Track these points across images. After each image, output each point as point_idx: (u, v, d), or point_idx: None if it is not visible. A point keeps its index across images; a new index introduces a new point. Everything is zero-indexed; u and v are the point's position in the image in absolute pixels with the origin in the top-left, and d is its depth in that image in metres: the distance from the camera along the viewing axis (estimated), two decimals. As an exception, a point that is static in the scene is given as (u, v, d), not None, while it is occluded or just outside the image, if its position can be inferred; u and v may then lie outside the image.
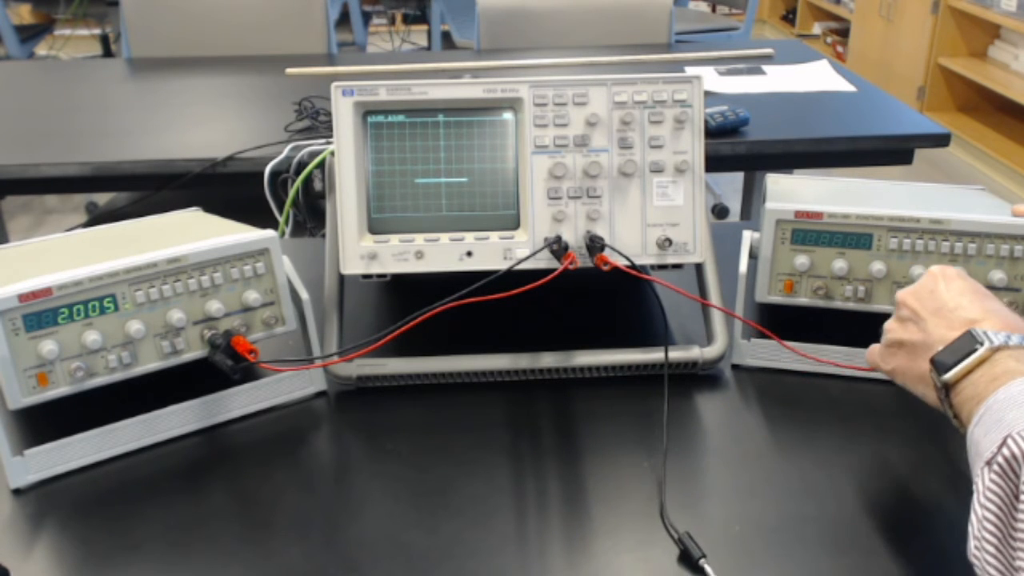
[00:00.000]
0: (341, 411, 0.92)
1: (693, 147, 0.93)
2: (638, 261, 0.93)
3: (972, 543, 0.58)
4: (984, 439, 0.61)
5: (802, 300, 0.95)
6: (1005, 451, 0.57)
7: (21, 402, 0.78)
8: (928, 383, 0.70)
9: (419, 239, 0.92)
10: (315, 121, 1.75)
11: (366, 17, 4.27)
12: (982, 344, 0.66)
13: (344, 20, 4.00)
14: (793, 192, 1.00)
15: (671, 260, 0.94)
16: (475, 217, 0.93)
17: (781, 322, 0.96)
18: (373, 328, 1.05)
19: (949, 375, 0.67)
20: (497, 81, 0.92)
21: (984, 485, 0.58)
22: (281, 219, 1.34)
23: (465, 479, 0.81)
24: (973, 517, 0.59)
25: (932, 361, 0.69)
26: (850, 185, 1.03)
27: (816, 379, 0.96)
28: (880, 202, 0.95)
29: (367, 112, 0.92)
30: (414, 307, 0.84)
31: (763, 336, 0.96)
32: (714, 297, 0.97)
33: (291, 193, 1.31)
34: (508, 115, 0.93)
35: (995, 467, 0.58)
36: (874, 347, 0.80)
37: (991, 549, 0.57)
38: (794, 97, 1.96)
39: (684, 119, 0.92)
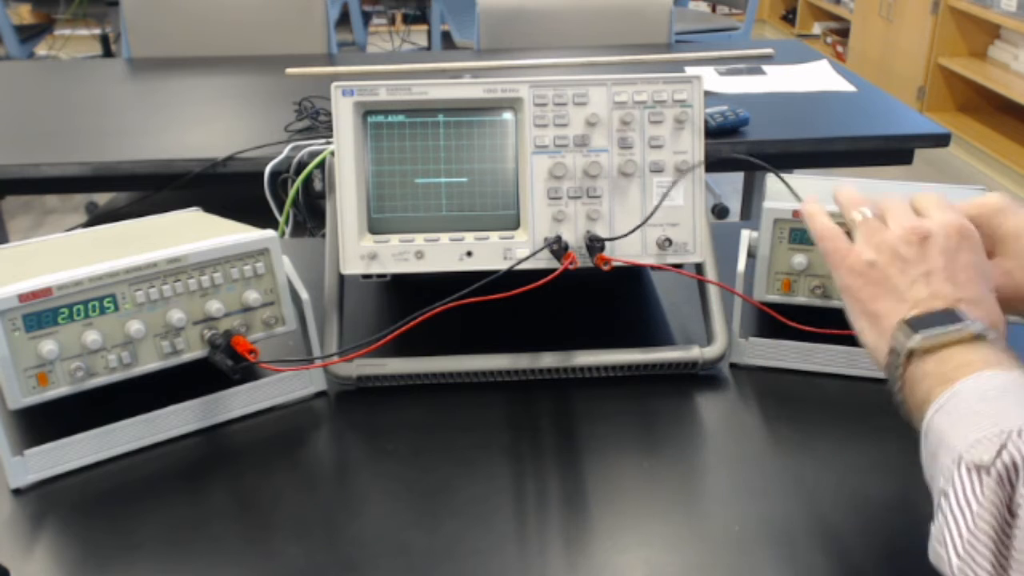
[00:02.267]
0: (341, 411, 0.92)
1: (693, 147, 0.93)
2: (638, 261, 0.93)
3: (951, 549, 0.54)
4: (951, 429, 0.57)
5: (800, 299, 0.95)
6: (1005, 457, 0.53)
7: (21, 402, 0.78)
8: (883, 331, 0.65)
9: (419, 239, 0.92)
10: (315, 121, 1.75)
11: (366, 17, 4.27)
12: (965, 324, 0.62)
13: (344, 20, 4.00)
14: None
15: (671, 260, 0.94)
16: (475, 217, 0.93)
17: (780, 322, 0.96)
18: (373, 328, 1.05)
19: (926, 342, 0.61)
20: (497, 81, 0.92)
21: (964, 485, 0.54)
22: (281, 219, 1.34)
23: (465, 479, 0.81)
24: (949, 520, 0.54)
25: (907, 320, 0.64)
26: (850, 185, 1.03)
27: (815, 378, 0.96)
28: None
29: (367, 112, 0.92)
30: (414, 307, 0.84)
31: (762, 335, 0.96)
32: (714, 297, 0.97)
33: (291, 193, 1.31)
34: (508, 115, 0.93)
35: (993, 475, 0.54)
36: (840, 235, 0.71)
37: (986, 565, 0.53)
38: (794, 97, 1.96)
39: (684, 119, 0.92)
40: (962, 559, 0.53)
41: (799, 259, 0.93)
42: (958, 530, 0.54)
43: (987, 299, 0.66)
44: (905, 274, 0.66)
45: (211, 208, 1.08)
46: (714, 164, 0.98)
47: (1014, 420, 0.55)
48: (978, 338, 0.61)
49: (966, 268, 0.66)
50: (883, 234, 0.69)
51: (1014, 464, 0.53)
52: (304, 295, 0.90)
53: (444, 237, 0.92)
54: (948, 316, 0.63)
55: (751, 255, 0.96)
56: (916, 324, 0.63)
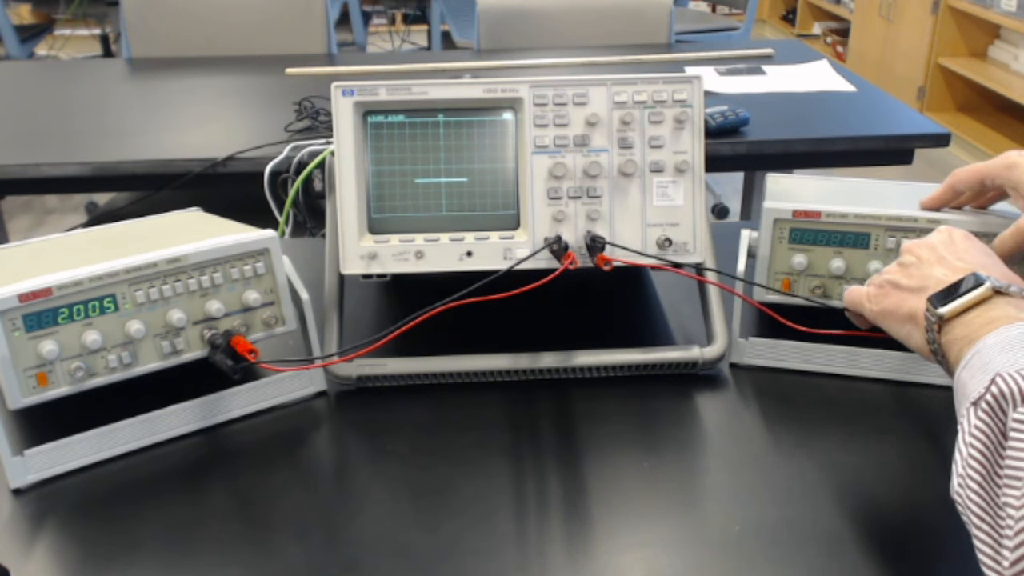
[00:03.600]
0: (341, 411, 0.92)
1: (693, 147, 0.93)
2: (638, 261, 0.93)
3: (956, 480, 0.59)
4: (971, 381, 0.61)
5: (800, 299, 0.95)
6: (994, 388, 0.57)
7: (21, 402, 0.78)
8: (917, 322, 0.70)
9: (419, 239, 0.92)
10: (315, 121, 1.75)
11: (366, 17, 4.28)
12: (983, 283, 0.66)
13: (344, 20, 4.00)
14: (793, 191, 1.00)
15: (671, 260, 0.94)
16: (475, 217, 0.93)
17: (780, 322, 0.96)
18: (373, 328, 1.05)
19: (946, 308, 0.66)
20: (497, 81, 0.92)
21: (970, 424, 0.58)
22: (281, 219, 1.34)
23: (465, 479, 0.81)
24: (958, 456, 0.59)
25: (929, 298, 0.69)
26: (850, 185, 1.03)
27: (815, 378, 0.96)
28: (879, 202, 0.95)
29: (367, 112, 0.92)
30: (414, 307, 0.84)
31: (761, 335, 0.96)
32: (714, 297, 0.97)
33: (291, 193, 1.31)
34: (508, 115, 0.93)
35: (983, 405, 0.58)
36: (858, 288, 0.79)
37: (974, 486, 0.57)
38: (794, 97, 1.96)
39: (684, 119, 0.92)
40: (960, 477, 0.58)
41: (799, 259, 0.93)
42: (960, 457, 0.58)
43: (999, 265, 0.72)
44: (915, 275, 0.73)
45: (211, 208, 1.08)
46: (714, 164, 0.98)
47: (1008, 364, 0.59)
48: (999, 293, 0.66)
49: (967, 250, 0.73)
50: (881, 272, 0.78)
51: (1002, 394, 0.57)
52: (304, 295, 0.90)
53: (444, 237, 0.92)
54: (969, 280, 0.68)
55: (751, 255, 0.96)
56: (936, 300, 0.68)
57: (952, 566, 0.72)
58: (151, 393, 0.86)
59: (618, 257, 0.92)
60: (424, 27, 4.73)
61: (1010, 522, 0.53)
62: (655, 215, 0.93)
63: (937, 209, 0.91)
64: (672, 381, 0.95)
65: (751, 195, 2.30)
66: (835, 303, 0.94)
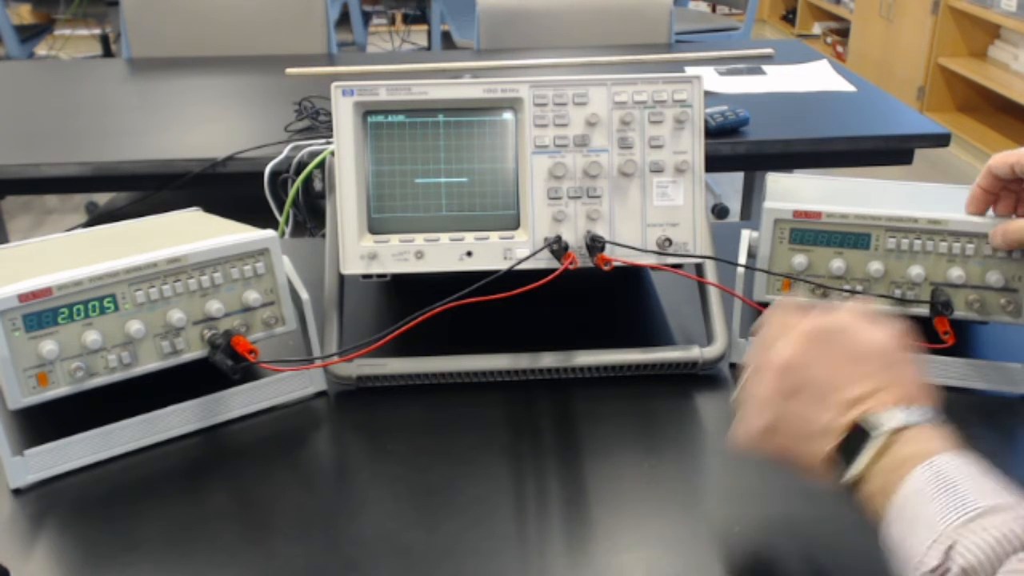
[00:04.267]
0: (341, 411, 0.92)
1: (693, 147, 0.93)
2: (638, 261, 0.93)
3: None
4: (905, 543, 0.57)
5: (800, 300, 0.95)
6: (959, 563, 0.53)
7: (21, 402, 0.78)
8: (818, 471, 0.64)
9: (419, 239, 0.92)
10: (315, 121, 1.75)
11: (366, 17, 4.27)
12: (876, 432, 0.61)
13: (344, 20, 4.00)
14: (793, 191, 1.00)
15: (671, 260, 0.94)
16: (475, 217, 0.93)
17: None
18: (373, 328, 1.05)
19: (851, 475, 0.61)
20: (497, 81, 0.92)
21: None
22: (281, 219, 1.34)
23: (465, 479, 0.81)
24: None
25: (831, 456, 0.63)
26: (850, 185, 1.03)
27: (816, 379, 0.96)
28: (880, 202, 0.95)
29: (367, 112, 0.92)
30: (414, 307, 0.84)
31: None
32: (714, 297, 0.97)
33: (291, 193, 1.31)
34: (508, 115, 0.93)
35: None
36: (746, 427, 0.68)
37: None
38: (794, 97, 1.96)
39: (684, 119, 0.92)
40: None
41: (799, 259, 0.93)
42: None
43: (874, 374, 0.64)
44: (800, 414, 0.64)
45: (211, 208, 1.08)
46: (714, 164, 0.98)
47: (949, 519, 0.55)
48: (896, 433, 0.60)
49: (840, 363, 0.64)
50: (758, 389, 0.67)
51: (969, 567, 0.53)
52: (304, 295, 0.90)
53: (444, 237, 0.92)
54: (859, 433, 0.62)
55: (751, 255, 0.96)
56: (839, 459, 0.62)
57: None
58: (151, 393, 0.86)
59: (618, 257, 0.92)
60: (424, 27, 4.73)
61: None
62: (655, 215, 0.93)
63: (981, 212, 0.89)
64: (672, 381, 0.95)
65: (751, 195, 2.30)
66: (835, 303, 0.94)
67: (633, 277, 1.15)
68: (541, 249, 0.91)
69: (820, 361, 0.65)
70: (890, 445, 0.60)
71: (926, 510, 0.56)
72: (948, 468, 0.58)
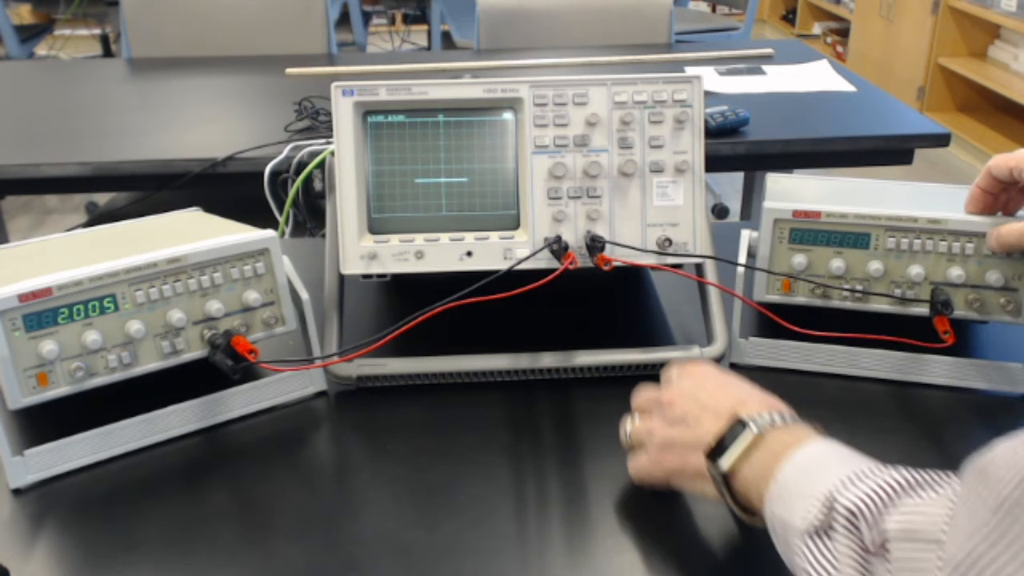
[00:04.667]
0: (341, 411, 0.92)
1: (693, 147, 0.93)
2: (638, 261, 0.93)
3: None
4: (787, 512, 0.60)
5: (800, 299, 0.95)
6: (839, 508, 0.56)
7: (21, 402, 0.78)
8: (706, 477, 0.69)
9: (419, 239, 0.92)
10: (315, 121, 1.75)
11: (366, 17, 4.27)
12: (750, 427, 0.67)
13: (344, 20, 4.00)
14: (793, 191, 1.00)
15: (671, 260, 0.94)
16: (475, 217, 0.93)
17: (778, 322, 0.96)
18: (373, 328, 1.05)
19: (725, 463, 0.67)
20: (497, 81, 0.92)
21: (815, 554, 0.56)
22: (281, 219, 1.34)
23: (465, 479, 0.81)
24: None
25: (708, 455, 0.68)
26: (850, 185, 1.03)
27: (815, 378, 0.96)
28: (879, 202, 0.95)
29: (367, 112, 0.92)
30: (414, 307, 0.84)
31: (761, 335, 0.96)
32: (714, 297, 0.97)
33: (291, 193, 1.31)
34: (508, 115, 0.93)
35: (838, 532, 0.56)
36: (638, 460, 0.76)
37: None
38: (794, 97, 1.96)
39: (684, 119, 0.92)
40: None
41: (799, 259, 0.93)
42: None
43: (754, 395, 0.73)
44: (688, 432, 0.72)
45: (211, 208, 1.08)
46: (714, 164, 0.98)
47: (828, 483, 0.58)
48: (768, 430, 0.67)
49: (721, 386, 0.74)
50: (646, 425, 0.76)
51: (850, 512, 0.55)
52: (304, 295, 0.90)
53: (444, 237, 0.92)
54: (736, 427, 0.68)
55: (751, 255, 0.96)
56: (715, 455, 0.68)
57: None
58: (151, 393, 0.86)
59: (618, 257, 0.92)
60: (424, 27, 4.73)
61: None
62: (655, 215, 0.93)
63: (982, 212, 0.90)
64: (672, 381, 0.95)
65: (751, 195, 2.30)
66: (835, 304, 0.94)
67: (633, 277, 1.15)
68: (541, 249, 0.91)
69: (694, 392, 0.74)
70: (764, 436, 0.66)
71: (805, 484, 0.60)
72: (823, 450, 0.63)
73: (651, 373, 0.96)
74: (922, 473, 0.57)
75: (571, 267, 0.89)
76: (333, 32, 2.47)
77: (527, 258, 0.91)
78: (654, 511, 0.78)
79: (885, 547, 0.53)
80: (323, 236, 1.01)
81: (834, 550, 0.56)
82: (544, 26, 2.49)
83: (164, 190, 1.64)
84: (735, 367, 0.98)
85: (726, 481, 0.67)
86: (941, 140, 1.77)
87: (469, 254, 0.92)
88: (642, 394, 0.79)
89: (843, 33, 5.43)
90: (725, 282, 0.96)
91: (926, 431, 0.88)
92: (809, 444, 0.64)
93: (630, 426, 0.78)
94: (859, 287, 0.93)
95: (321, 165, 1.03)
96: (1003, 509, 0.44)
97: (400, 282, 1.10)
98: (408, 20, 5.04)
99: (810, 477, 0.61)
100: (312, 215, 1.51)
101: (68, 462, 0.82)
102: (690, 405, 0.73)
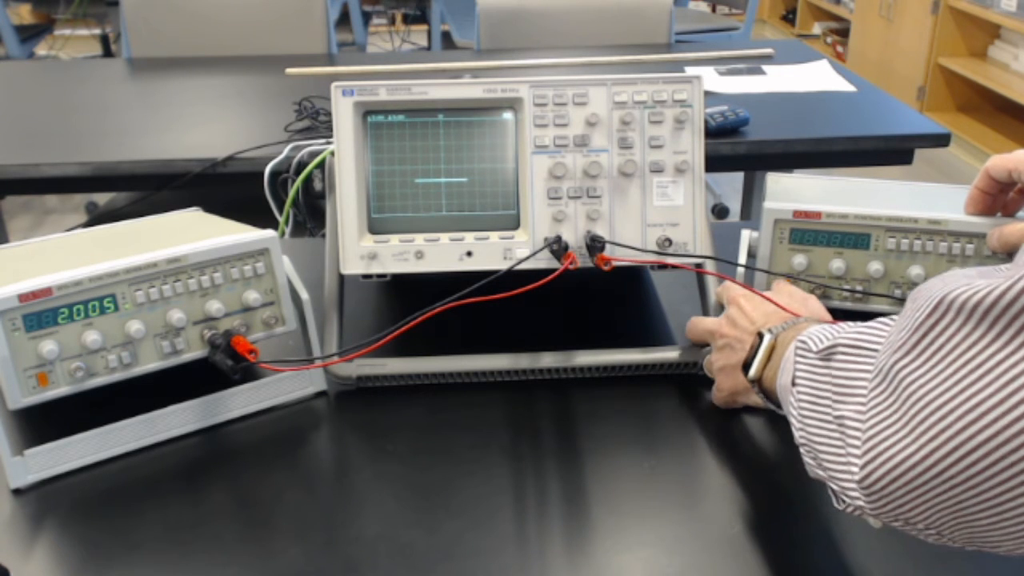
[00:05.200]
0: (341, 411, 0.92)
1: (693, 147, 0.93)
2: (638, 260, 0.93)
3: (797, 433, 0.65)
4: (783, 372, 0.69)
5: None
6: (799, 343, 0.66)
7: (21, 402, 0.78)
8: (750, 389, 0.79)
9: (419, 239, 0.92)
10: (315, 121, 1.75)
11: (366, 17, 4.28)
12: (763, 337, 0.76)
13: (344, 20, 4.00)
14: (793, 191, 1.00)
15: (671, 260, 0.94)
16: (475, 217, 0.93)
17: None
18: (373, 328, 1.05)
19: (752, 372, 0.77)
20: (497, 81, 0.92)
21: (795, 373, 0.65)
22: (281, 219, 1.34)
23: (465, 479, 0.81)
24: (792, 410, 0.66)
25: (742, 369, 0.79)
26: (850, 185, 1.03)
27: (816, 379, 0.96)
28: (880, 202, 0.95)
29: (367, 112, 0.92)
30: (414, 307, 0.84)
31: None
32: (714, 297, 0.97)
33: (291, 193, 1.31)
34: (508, 115, 0.93)
35: (798, 358, 0.66)
36: (714, 388, 0.90)
37: (813, 422, 0.62)
38: (794, 97, 1.96)
39: (684, 119, 0.92)
40: (798, 420, 0.65)
41: (799, 259, 0.93)
42: (794, 411, 0.65)
43: (777, 311, 0.83)
44: (735, 351, 0.84)
45: (211, 208, 1.08)
46: (714, 164, 0.98)
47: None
48: (779, 336, 0.76)
49: (755, 309, 0.84)
50: (710, 357, 0.90)
51: (805, 345, 0.66)
52: (304, 295, 0.90)
53: (444, 237, 0.92)
54: (756, 341, 0.78)
55: (751, 255, 0.96)
56: (746, 369, 0.78)
57: (950, 563, 0.72)
58: (151, 393, 0.86)
59: (618, 257, 0.92)
60: (424, 27, 4.73)
61: (855, 425, 0.57)
62: (655, 215, 0.93)
63: (981, 213, 0.90)
64: (672, 381, 0.95)
65: (751, 195, 2.30)
66: (835, 303, 0.94)
67: (633, 277, 1.15)
68: (541, 249, 0.91)
69: (734, 319, 0.85)
70: (777, 340, 0.76)
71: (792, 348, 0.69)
72: (815, 328, 0.69)
73: (651, 373, 0.96)
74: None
75: (571, 267, 0.89)
76: (333, 32, 2.47)
77: (527, 258, 0.91)
78: (654, 511, 0.78)
79: (833, 353, 0.62)
80: (323, 236, 1.01)
81: (795, 365, 0.66)
82: (544, 26, 2.49)
83: (164, 190, 1.64)
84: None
85: (760, 386, 0.77)
86: (941, 140, 1.76)
87: (469, 254, 0.92)
88: (693, 325, 0.92)
89: (843, 33, 5.43)
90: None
91: (926, 431, 0.88)
92: (806, 329, 0.70)
93: (705, 360, 0.91)
94: (859, 288, 0.93)
95: (321, 165, 1.03)
96: (916, 326, 0.53)
97: (400, 282, 1.10)
98: (408, 20, 5.04)
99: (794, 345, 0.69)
100: (312, 215, 1.51)
101: (68, 462, 0.82)
102: (731, 332, 0.85)
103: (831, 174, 1.11)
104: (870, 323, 0.62)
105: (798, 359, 0.66)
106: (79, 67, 2.43)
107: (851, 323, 0.65)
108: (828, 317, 0.83)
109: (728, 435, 0.88)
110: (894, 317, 0.60)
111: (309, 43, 2.44)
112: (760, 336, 0.77)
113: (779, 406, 0.73)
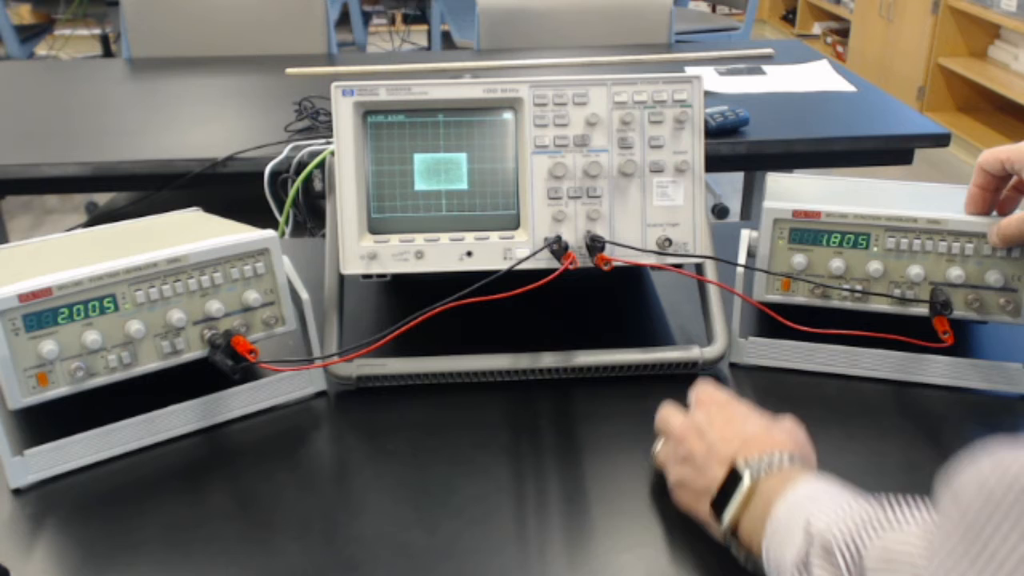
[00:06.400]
0: (341, 411, 0.92)
1: (693, 147, 0.93)
2: (638, 261, 0.93)
3: None
4: (780, 552, 0.62)
5: (800, 299, 0.95)
6: (817, 544, 0.58)
7: (21, 402, 0.78)
8: (716, 524, 0.71)
9: (419, 239, 0.92)
10: (315, 121, 1.75)
11: (366, 17, 4.28)
12: (743, 478, 0.68)
13: (344, 20, 4.00)
14: (793, 191, 1.00)
15: (671, 260, 0.94)
16: (475, 217, 0.93)
17: (780, 322, 0.96)
18: (373, 328, 1.05)
19: (727, 518, 0.68)
20: (497, 81, 0.92)
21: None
22: (281, 219, 1.34)
23: (465, 479, 0.81)
24: None
25: (712, 506, 0.70)
26: (850, 185, 1.03)
27: (815, 378, 0.96)
28: (880, 202, 0.95)
29: (367, 112, 0.92)
30: (414, 307, 0.84)
31: (761, 335, 0.96)
32: (714, 297, 0.97)
33: (291, 193, 1.31)
34: (508, 115, 0.93)
35: (815, 562, 0.58)
36: (666, 453, 0.78)
37: None
38: (794, 97, 1.96)
39: (684, 119, 0.92)
40: None
41: (799, 259, 0.93)
42: None
43: (756, 434, 0.72)
44: (698, 476, 0.73)
45: (211, 208, 1.08)
46: (714, 164, 0.98)
47: (808, 519, 0.60)
48: (760, 479, 0.67)
49: (726, 423, 0.74)
50: (664, 454, 0.78)
51: (825, 546, 0.57)
52: (304, 295, 0.90)
53: (444, 237, 0.92)
54: (732, 479, 0.69)
55: (751, 255, 0.96)
56: (718, 509, 0.69)
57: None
58: (151, 393, 0.86)
59: (618, 257, 0.92)
60: (424, 27, 4.73)
61: None
62: (655, 215, 0.93)
63: (981, 211, 0.90)
64: (672, 381, 0.95)
65: (751, 195, 2.30)
66: (835, 303, 0.94)
67: (633, 277, 1.15)
68: (541, 249, 0.91)
69: (703, 430, 0.74)
70: (757, 485, 0.67)
71: (793, 522, 0.62)
72: (810, 489, 0.64)
73: (651, 373, 0.96)
74: (899, 501, 0.58)
75: (571, 267, 0.89)
76: (333, 32, 2.47)
77: (527, 258, 0.91)
78: (654, 511, 0.78)
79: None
80: (323, 236, 1.01)
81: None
82: (544, 26, 2.49)
83: (164, 190, 1.64)
84: (735, 367, 0.98)
85: (733, 532, 0.69)
86: (941, 140, 1.77)
87: (469, 254, 0.92)
88: (661, 415, 0.80)
89: (843, 33, 5.43)
90: (725, 282, 0.96)
91: (925, 431, 0.88)
92: (798, 486, 0.65)
93: (658, 447, 0.80)
94: (859, 287, 0.93)
95: (321, 165, 1.03)
96: (970, 534, 0.46)
97: (400, 282, 1.10)
98: (408, 20, 5.04)
99: (796, 517, 0.62)
100: (312, 215, 1.51)
101: (68, 462, 0.82)
102: (698, 445, 0.73)
103: (831, 174, 1.11)
104: (893, 532, 0.55)
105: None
106: (79, 67, 2.42)
107: (863, 503, 0.59)
108: (812, 458, 0.73)
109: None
110: (918, 515, 0.55)
111: (309, 43, 2.44)
112: (734, 472, 0.69)
113: (751, 555, 0.67)
